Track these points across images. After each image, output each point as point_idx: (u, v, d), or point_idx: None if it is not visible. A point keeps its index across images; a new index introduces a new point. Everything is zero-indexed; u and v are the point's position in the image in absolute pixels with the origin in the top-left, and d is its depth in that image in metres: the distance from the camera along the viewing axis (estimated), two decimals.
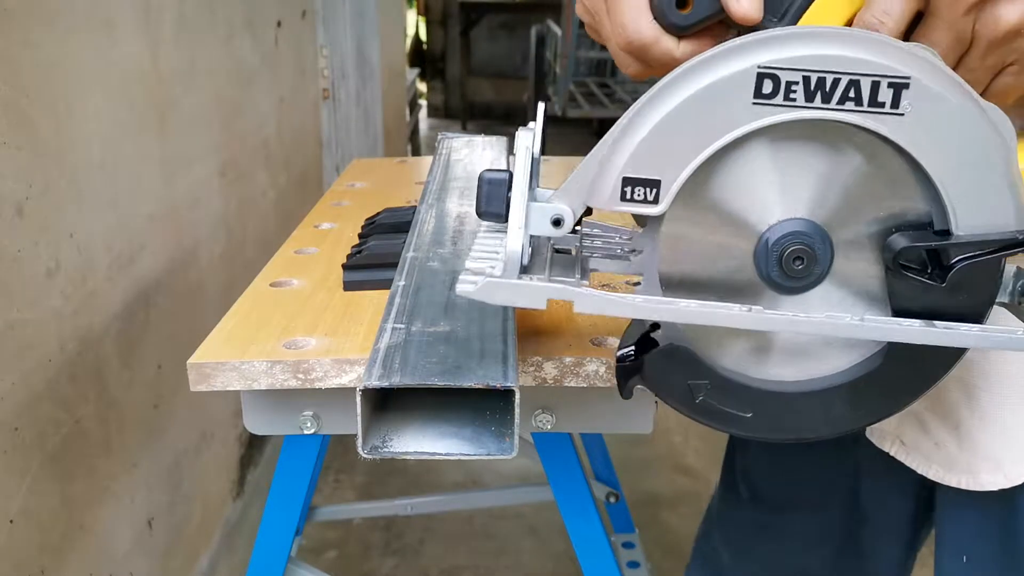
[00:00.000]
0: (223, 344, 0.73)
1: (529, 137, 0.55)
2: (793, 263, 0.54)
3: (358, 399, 0.54)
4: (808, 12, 0.57)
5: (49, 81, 1.10)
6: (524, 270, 0.55)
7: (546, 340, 0.73)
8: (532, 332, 0.74)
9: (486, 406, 0.58)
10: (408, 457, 0.57)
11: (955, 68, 0.55)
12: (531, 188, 0.56)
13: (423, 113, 7.33)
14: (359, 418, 0.54)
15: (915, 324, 0.53)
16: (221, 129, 1.76)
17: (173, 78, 1.50)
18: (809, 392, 0.58)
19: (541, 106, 0.62)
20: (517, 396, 0.54)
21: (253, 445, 2.04)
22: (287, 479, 0.97)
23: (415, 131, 5.96)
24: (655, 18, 0.58)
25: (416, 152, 5.71)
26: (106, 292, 1.26)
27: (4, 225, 1.00)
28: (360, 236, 1.00)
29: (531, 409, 0.76)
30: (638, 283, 0.58)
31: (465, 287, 0.53)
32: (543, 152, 0.62)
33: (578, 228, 0.57)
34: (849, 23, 0.57)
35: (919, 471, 0.75)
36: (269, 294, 0.85)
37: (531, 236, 0.56)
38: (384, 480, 2.30)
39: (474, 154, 1.23)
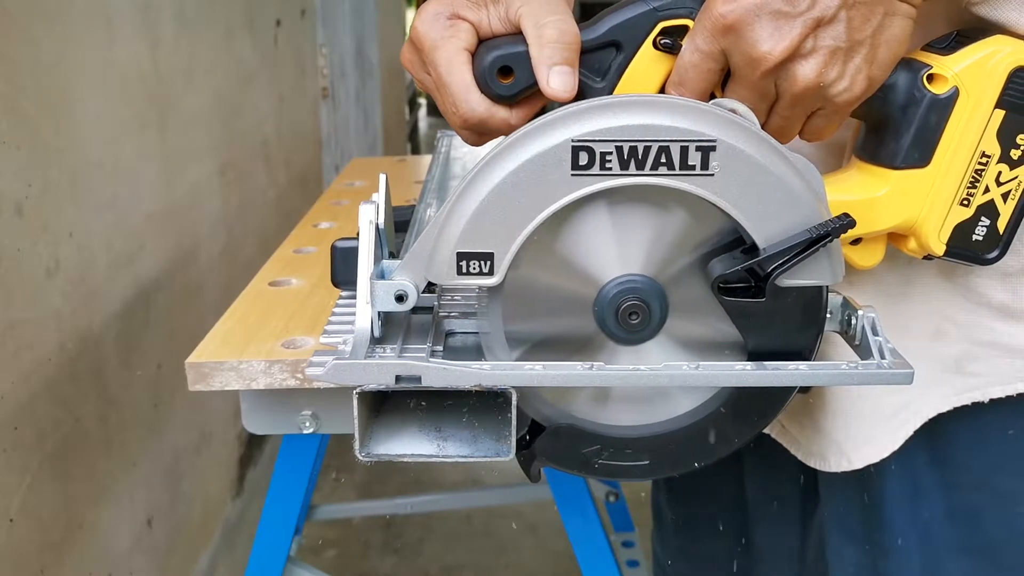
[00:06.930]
0: (221, 344, 0.74)
1: (372, 210, 0.55)
2: (629, 318, 0.56)
3: (354, 402, 0.54)
4: (627, 72, 0.59)
5: (49, 81, 1.10)
6: (378, 341, 0.56)
7: None
8: None
9: (483, 408, 0.58)
10: (405, 460, 0.57)
11: (768, 115, 0.58)
12: (379, 260, 0.56)
13: (422, 112, 7.33)
14: (356, 421, 0.54)
15: (747, 367, 0.55)
16: (221, 128, 1.76)
17: (173, 78, 1.50)
18: (688, 426, 0.60)
19: (383, 177, 0.63)
20: (514, 398, 0.55)
21: (253, 444, 2.05)
22: (286, 478, 0.97)
23: (414, 130, 5.96)
24: (481, 91, 0.59)
25: (415, 151, 5.71)
26: (106, 292, 1.26)
27: (4, 224, 1.00)
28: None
29: None
30: None
31: (314, 371, 0.54)
32: None
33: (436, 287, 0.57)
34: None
35: (791, 451, 0.79)
36: (268, 293, 0.85)
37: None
38: (384, 479, 2.30)
39: (473, 152, 1.23)
